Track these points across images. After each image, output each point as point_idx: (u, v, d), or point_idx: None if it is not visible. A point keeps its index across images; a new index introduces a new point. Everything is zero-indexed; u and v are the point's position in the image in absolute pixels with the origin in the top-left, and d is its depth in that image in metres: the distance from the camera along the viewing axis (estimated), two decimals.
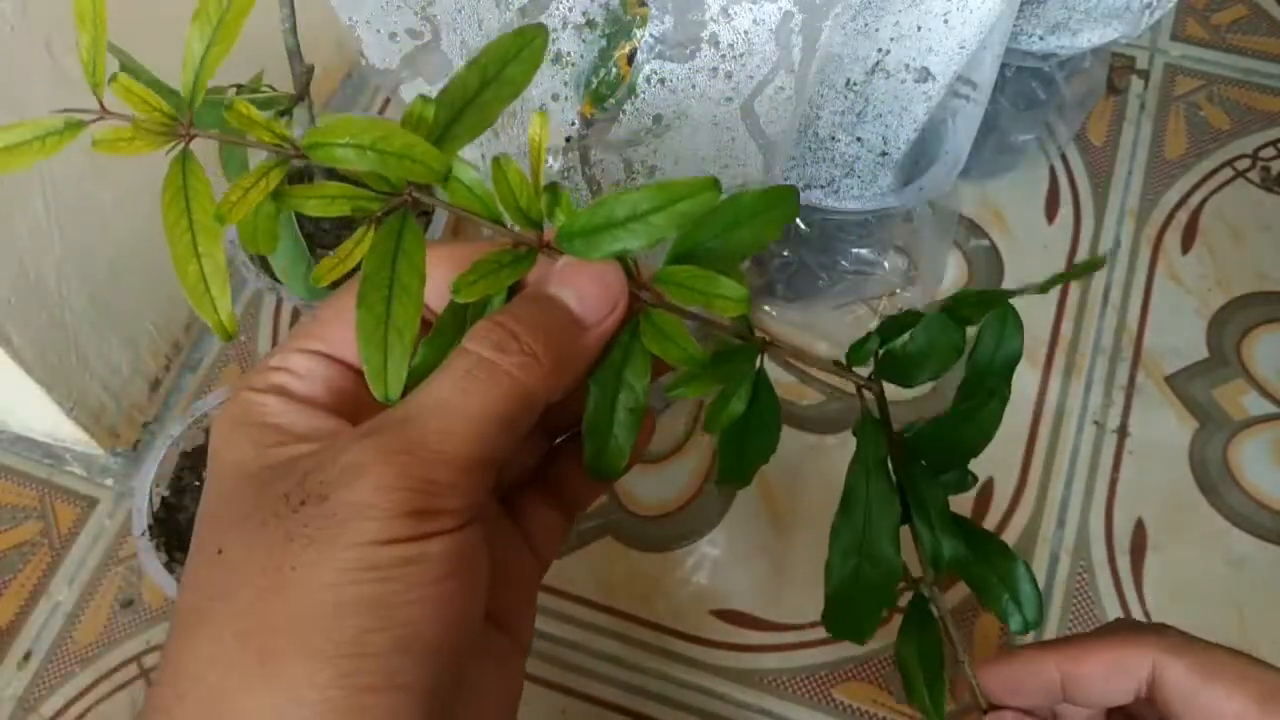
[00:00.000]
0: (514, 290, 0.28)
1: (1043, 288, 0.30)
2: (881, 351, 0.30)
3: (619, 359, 0.28)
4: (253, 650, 0.22)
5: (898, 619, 0.31)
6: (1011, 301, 0.30)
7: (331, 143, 0.25)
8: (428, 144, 0.25)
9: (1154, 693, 0.32)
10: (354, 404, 0.27)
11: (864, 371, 0.31)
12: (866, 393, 0.31)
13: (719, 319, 0.29)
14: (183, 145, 0.25)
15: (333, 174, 0.26)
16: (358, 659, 0.22)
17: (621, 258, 0.27)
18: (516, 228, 0.27)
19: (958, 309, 0.30)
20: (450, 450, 0.24)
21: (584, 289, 0.26)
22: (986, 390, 0.30)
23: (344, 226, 0.48)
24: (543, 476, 0.31)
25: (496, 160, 0.26)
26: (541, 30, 0.26)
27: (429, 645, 0.23)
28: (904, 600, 0.32)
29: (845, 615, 0.31)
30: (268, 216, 0.27)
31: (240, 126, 0.25)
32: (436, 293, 0.27)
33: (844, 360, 0.30)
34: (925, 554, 0.30)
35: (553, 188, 0.27)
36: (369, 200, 0.26)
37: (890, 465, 0.31)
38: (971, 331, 0.30)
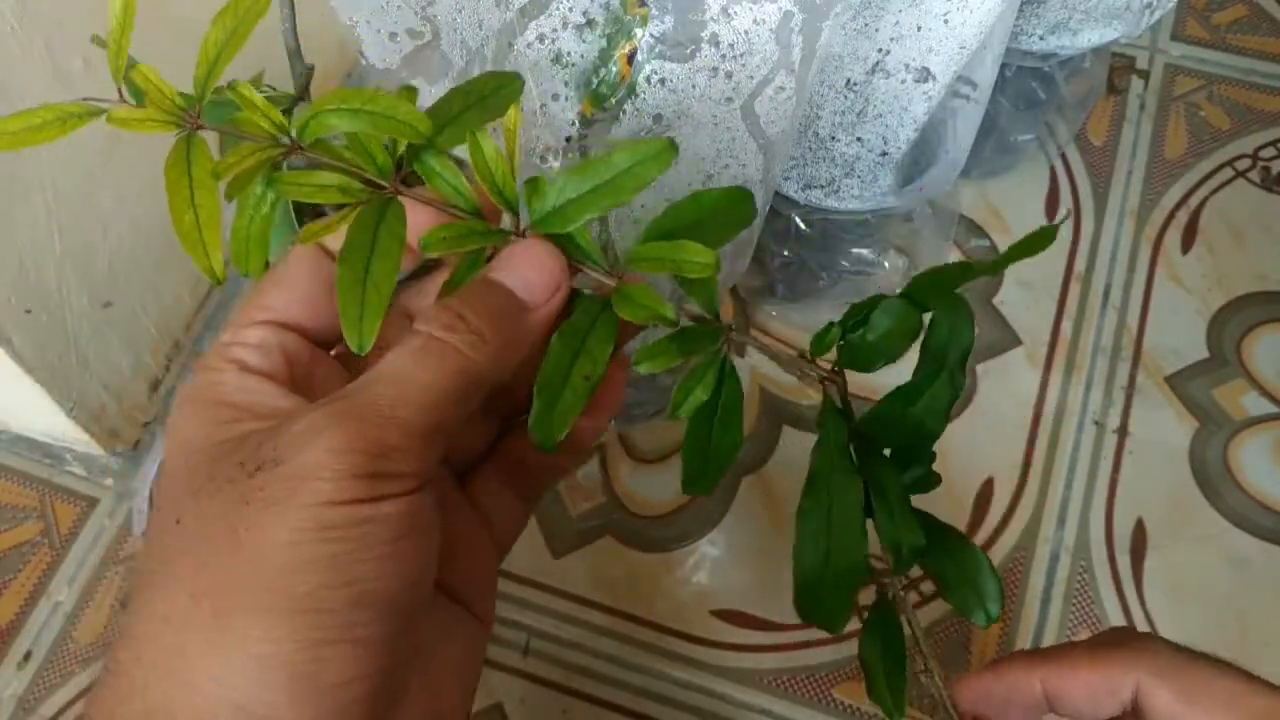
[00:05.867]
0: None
1: (993, 267, 0.30)
2: (843, 341, 0.31)
3: (585, 324, 0.28)
4: (207, 608, 0.23)
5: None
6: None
7: (322, 110, 0.26)
8: (411, 105, 0.26)
9: (1139, 716, 0.31)
10: (307, 367, 0.28)
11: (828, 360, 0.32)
12: (829, 384, 0.31)
13: (688, 304, 0.30)
14: (189, 132, 0.27)
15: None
16: (314, 614, 0.23)
17: (598, 245, 0.29)
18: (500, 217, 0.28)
19: (914, 294, 0.30)
20: (402, 416, 0.25)
21: (527, 274, 0.28)
22: (939, 373, 0.31)
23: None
24: (496, 455, 0.32)
25: (473, 134, 0.27)
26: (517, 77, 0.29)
27: (385, 600, 0.24)
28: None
29: (817, 601, 0.31)
30: (259, 231, 0.28)
31: (240, 104, 0.27)
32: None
33: (808, 352, 0.31)
34: (886, 542, 0.31)
35: (534, 181, 0.28)
36: (359, 191, 0.27)
37: (854, 455, 0.32)
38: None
